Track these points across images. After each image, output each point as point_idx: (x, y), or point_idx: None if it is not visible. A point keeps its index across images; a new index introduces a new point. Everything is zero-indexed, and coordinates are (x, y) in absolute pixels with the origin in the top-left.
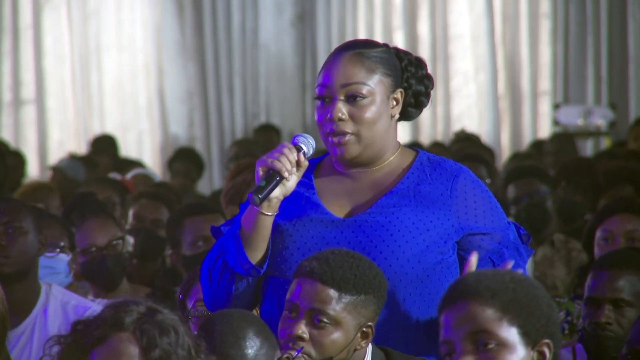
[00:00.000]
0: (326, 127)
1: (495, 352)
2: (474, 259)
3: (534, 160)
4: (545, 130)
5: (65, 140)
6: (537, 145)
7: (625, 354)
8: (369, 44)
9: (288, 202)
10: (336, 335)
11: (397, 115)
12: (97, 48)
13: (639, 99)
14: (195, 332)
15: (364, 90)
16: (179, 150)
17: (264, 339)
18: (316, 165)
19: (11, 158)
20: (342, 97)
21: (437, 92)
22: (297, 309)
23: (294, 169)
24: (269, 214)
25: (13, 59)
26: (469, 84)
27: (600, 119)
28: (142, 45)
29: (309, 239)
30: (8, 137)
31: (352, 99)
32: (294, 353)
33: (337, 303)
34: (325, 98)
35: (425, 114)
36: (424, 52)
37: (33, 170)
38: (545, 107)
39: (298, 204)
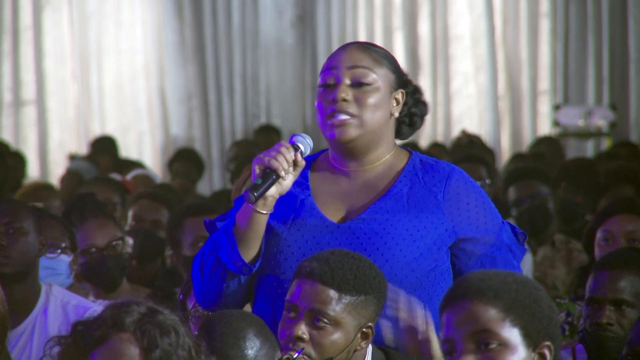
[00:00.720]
0: (328, 108)
1: (496, 353)
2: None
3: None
4: (545, 131)
5: (66, 140)
6: (533, 146)
7: (626, 355)
8: (375, 44)
9: (283, 205)
10: (336, 336)
11: (397, 115)
12: (98, 49)
13: (639, 99)
14: (196, 333)
15: (370, 77)
16: (179, 151)
17: (264, 339)
18: (312, 163)
19: (11, 158)
20: (347, 81)
21: (438, 93)
22: (297, 310)
23: (291, 168)
24: (264, 212)
25: (13, 60)
26: (469, 85)
27: (601, 120)
28: (142, 46)
29: (303, 244)
30: (8, 137)
31: (357, 84)
32: (294, 354)
33: (337, 304)
34: (330, 84)
35: None
36: (424, 52)
37: (33, 171)
38: (545, 107)
39: (293, 207)
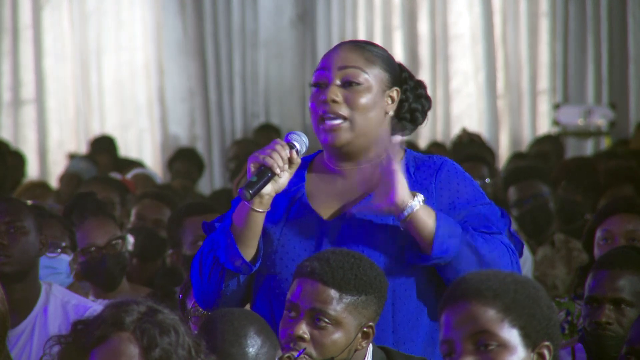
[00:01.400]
0: (319, 109)
1: (495, 353)
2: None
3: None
4: (544, 130)
5: (65, 140)
6: (534, 145)
7: (625, 354)
8: (371, 43)
9: (276, 204)
10: (337, 336)
11: (391, 113)
12: (97, 48)
13: (639, 98)
14: (196, 331)
15: (361, 77)
16: (179, 150)
17: (265, 337)
18: (309, 163)
19: (11, 158)
20: (338, 82)
21: (437, 92)
22: (297, 309)
23: (286, 166)
24: (261, 210)
25: (13, 59)
26: (468, 84)
27: (601, 119)
28: (142, 44)
29: (297, 243)
30: (8, 137)
31: (348, 84)
32: (295, 354)
33: (337, 303)
34: (322, 84)
35: None
36: (423, 52)
37: (33, 170)
38: (544, 106)
39: (285, 207)
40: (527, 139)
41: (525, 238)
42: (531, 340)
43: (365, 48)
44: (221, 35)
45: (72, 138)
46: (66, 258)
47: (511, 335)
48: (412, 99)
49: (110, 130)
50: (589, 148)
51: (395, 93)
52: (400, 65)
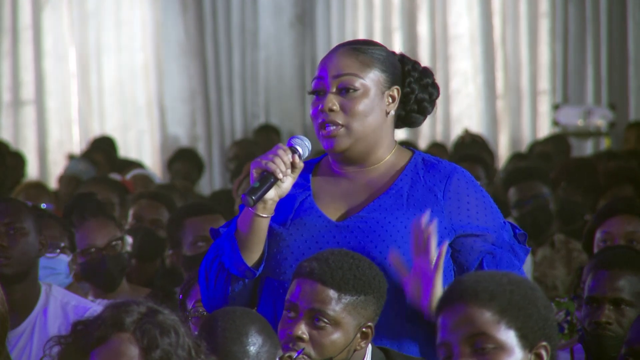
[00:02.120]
0: (318, 118)
1: (493, 355)
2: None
3: (534, 161)
4: (544, 131)
5: (65, 140)
6: (535, 146)
7: (625, 354)
8: (368, 42)
9: (282, 206)
10: (336, 336)
11: (393, 112)
12: (97, 48)
13: (638, 99)
14: (198, 330)
15: (357, 83)
16: (179, 150)
17: (266, 336)
18: (314, 166)
19: (11, 158)
20: (334, 90)
21: None
22: (296, 310)
23: (289, 171)
24: (265, 215)
25: (13, 60)
26: (468, 85)
27: (600, 119)
28: (141, 45)
29: (302, 243)
30: (8, 137)
31: (345, 91)
32: (294, 354)
33: (336, 303)
34: (320, 92)
35: None
36: (423, 52)
37: (33, 171)
38: (544, 107)
39: (292, 208)
40: (526, 139)
41: None
42: (528, 341)
43: (360, 50)
44: (221, 36)
45: (71, 139)
46: (65, 258)
47: (508, 336)
48: (418, 89)
49: (110, 130)
50: (588, 148)
51: (395, 92)
52: (402, 57)
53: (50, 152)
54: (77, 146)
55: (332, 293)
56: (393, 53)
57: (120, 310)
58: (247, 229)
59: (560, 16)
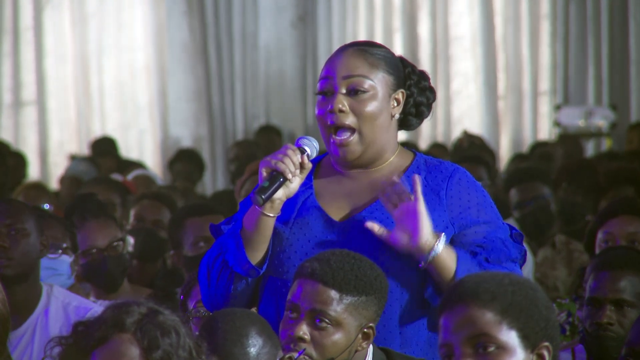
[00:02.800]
0: (326, 119)
1: (494, 356)
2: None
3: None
4: (545, 131)
5: (66, 141)
6: (538, 147)
7: (625, 355)
8: (373, 44)
9: (285, 205)
10: (337, 336)
11: (397, 116)
12: (98, 49)
13: (639, 99)
14: (198, 331)
15: (366, 84)
16: (180, 151)
17: (266, 338)
18: (316, 165)
19: (12, 159)
20: (343, 90)
21: (438, 94)
22: (298, 310)
23: (297, 171)
24: (271, 215)
25: (13, 60)
26: (469, 85)
27: (601, 120)
28: (142, 46)
29: (305, 243)
30: (8, 138)
31: (354, 92)
32: (295, 355)
33: (338, 304)
34: (327, 92)
35: None
36: (424, 53)
37: (34, 172)
38: (545, 108)
39: (294, 207)
40: (527, 140)
41: (526, 240)
42: (530, 342)
43: (368, 52)
44: (222, 37)
45: (72, 139)
46: (67, 259)
47: (510, 337)
48: (417, 93)
49: (111, 131)
50: (589, 149)
51: (400, 95)
52: (402, 59)
53: (51, 153)
54: (78, 147)
55: (334, 293)
56: (394, 55)
57: (121, 310)
58: (253, 227)
59: (561, 17)
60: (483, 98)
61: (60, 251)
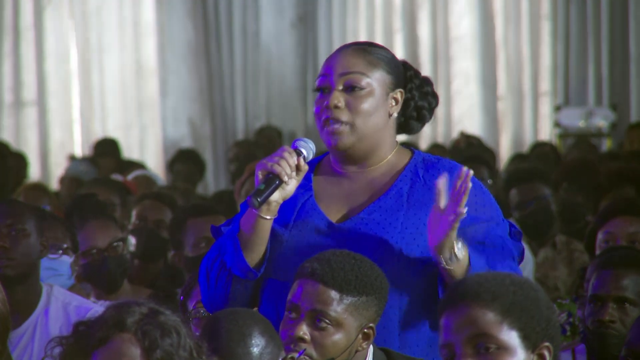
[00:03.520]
0: (322, 115)
1: (495, 356)
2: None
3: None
4: (545, 132)
5: (67, 141)
6: (537, 147)
7: (625, 356)
8: (373, 44)
9: (284, 207)
10: (337, 337)
11: (396, 115)
12: (99, 49)
13: (639, 99)
14: (200, 330)
15: (363, 81)
16: (180, 151)
17: (269, 337)
18: (315, 165)
19: (13, 159)
20: (340, 87)
21: (438, 94)
22: (298, 310)
23: (294, 173)
24: (268, 217)
25: (14, 60)
26: (469, 86)
27: (602, 120)
28: (143, 46)
29: (305, 244)
30: (9, 138)
31: (350, 89)
32: (295, 355)
33: (338, 304)
34: (325, 89)
35: None
36: (424, 53)
37: (34, 172)
38: (546, 108)
39: (294, 209)
40: (528, 141)
41: (527, 240)
42: (531, 342)
43: (367, 51)
44: (223, 37)
45: (73, 139)
46: (67, 259)
47: (510, 337)
48: (418, 97)
49: (112, 131)
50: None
51: (399, 94)
52: (404, 63)
53: (52, 153)
54: (79, 147)
55: (334, 294)
56: (395, 57)
57: (122, 310)
58: (250, 230)
59: (561, 17)
60: (483, 98)
61: (60, 251)
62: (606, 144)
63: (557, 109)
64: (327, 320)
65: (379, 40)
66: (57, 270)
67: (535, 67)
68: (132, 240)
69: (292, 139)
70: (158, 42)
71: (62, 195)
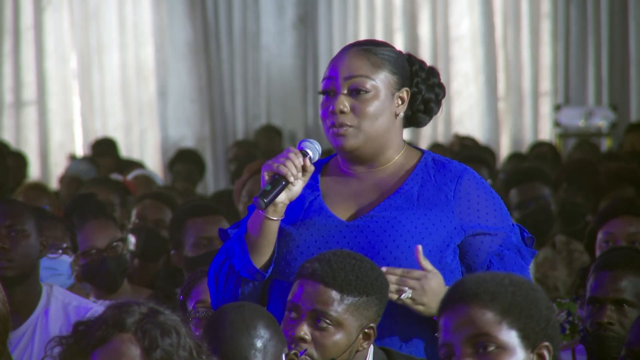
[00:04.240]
0: (329, 119)
1: (494, 356)
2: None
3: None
4: (546, 132)
5: (67, 141)
6: (536, 146)
7: (624, 356)
8: (378, 43)
9: (292, 206)
10: (338, 337)
11: (402, 114)
12: (99, 49)
13: (639, 99)
14: (206, 324)
15: (368, 84)
16: (180, 151)
17: (273, 331)
18: (323, 166)
19: (12, 159)
20: (345, 91)
21: None
22: (299, 310)
23: (300, 174)
24: (275, 218)
25: (14, 60)
26: (469, 86)
27: (601, 120)
28: (143, 46)
29: (312, 244)
30: (9, 138)
31: (356, 92)
32: (298, 353)
33: (339, 304)
34: (330, 92)
35: None
36: (424, 53)
37: (34, 172)
38: (546, 108)
39: (302, 208)
40: (528, 140)
41: None
42: (530, 342)
43: (371, 52)
44: (223, 37)
45: (73, 139)
46: (67, 259)
47: (510, 337)
48: (425, 89)
49: (112, 131)
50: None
51: (405, 93)
52: (410, 57)
53: (52, 153)
54: (79, 147)
55: (335, 294)
56: (400, 53)
57: (122, 310)
58: (257, 231)
59: (561, 17)
60: (483, 98)
61: (60, 251)
62: (606, 144)
63: (557, 108)
64: (327, 321)
65: (379, 39)
66: (56, 269)
67: (535, 67)
68: (132, 239)
69: (292, 139)
70: (158, 43)
71: (61, 195)
